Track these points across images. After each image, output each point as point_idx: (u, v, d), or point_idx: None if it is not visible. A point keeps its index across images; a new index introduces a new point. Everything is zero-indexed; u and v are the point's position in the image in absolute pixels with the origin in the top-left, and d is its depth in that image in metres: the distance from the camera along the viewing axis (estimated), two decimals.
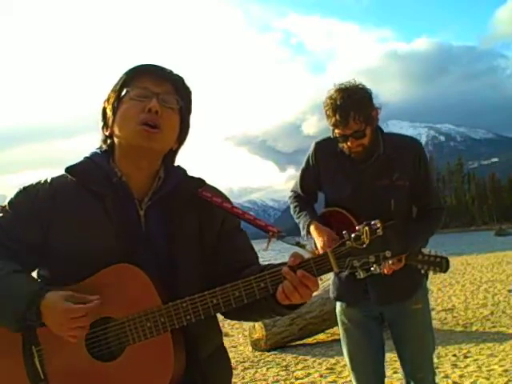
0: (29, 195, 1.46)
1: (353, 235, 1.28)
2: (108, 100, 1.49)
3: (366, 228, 1.27)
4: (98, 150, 1.53)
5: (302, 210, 2.73)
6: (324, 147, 2.66)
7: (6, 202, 1.48)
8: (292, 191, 2.87)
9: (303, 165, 2.76)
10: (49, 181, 1.48)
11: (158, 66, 1.49)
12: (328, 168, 2.63)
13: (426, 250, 2.43)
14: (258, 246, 1.62)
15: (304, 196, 2.81)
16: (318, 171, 2.67)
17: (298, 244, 1.38)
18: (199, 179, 1.55)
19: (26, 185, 1.49)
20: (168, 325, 1.31)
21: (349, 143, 2.47)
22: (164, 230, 1.45)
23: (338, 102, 2.40)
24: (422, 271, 2.45)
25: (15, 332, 1.34)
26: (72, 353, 1.35)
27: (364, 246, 1.27)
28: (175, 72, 1.52)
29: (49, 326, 1.31)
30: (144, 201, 1.47)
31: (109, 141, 1.50)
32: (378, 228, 1.26)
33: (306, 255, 1.32)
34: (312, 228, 2.56)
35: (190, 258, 1.44)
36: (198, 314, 1.31)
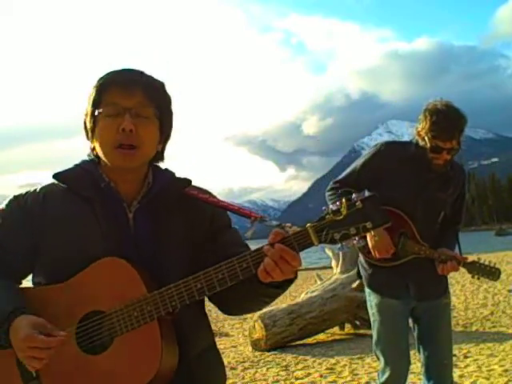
0: (19, 204, 1.47)
1: (332, 208, 1.27)
2: (86, 114, 1.48)
3: (345, 200, 1.26)
4: (88, 158, 1.54)
5: None
6: (394, 149, 2.86)
7: None
8: (337, 182, 2.93)
9: (364, 159, 2.88)
10: (38, 190, 1.50)
11: (125, 73, 1.46)
12: (393, 169, 2.78)
13: (480, 259, 2.84)
14: (253, 247, 1.62)
15: (351, 189, 2.86)
16: (379, 169, 2.81)
17: (279, 225, 1.37)
18: (185, 179, 1.55)
19: (17, 194, 1.51)
20: (154, 313, 1.32)
21: (440, 155, 2.68)
22: (152, 232, 1.46)
23: (451, 118, 2.65)
24: (476, 277, 2.82)
25: None
26: (63, 349, 1.35)
27: (342, 217, 1.25)
28: (145, 72, 1.48)
29: (14, 348, 1.33)
30: (133, 204, 1.48)
31: (95, 151, 1.51)
32: (357, 201, 1.25)
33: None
34: None
35: (178, 260, 1.45)
36: (183, 300, 1.32)
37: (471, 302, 9.06)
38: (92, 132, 1.46)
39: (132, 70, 1.48)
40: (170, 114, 1.52)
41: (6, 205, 1.49)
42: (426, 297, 2.81)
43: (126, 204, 1.47)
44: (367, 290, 2.90)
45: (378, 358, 2.87)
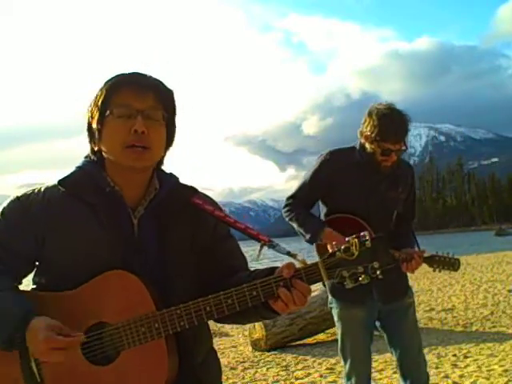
0: (22, 206, 1.45)
1: (342, 247, 1.32)
2: (91, 115, 1.45)
3: (356, 240, 1.30)
4: (90, 159, 1.52)
5: (307, 216, 2.87)
6: (339, 157, 2.85)
7: None
8: (291, 198, 2.94)
9: (312, 171, 2.87)
10: (42, 190, 1.47)
11: (138, 76, 1.46)
12: (343, 177, 2.79)
13: (440, 253, 2.88)
14: (247, 248, 1.64)
15: (305, 203, 2.91)
16: (328, 178, 2.81)
17: (289, 253, 1.40)
18: (191, 187, 1.56)
19: (20, 194, 1.48)
20: (162, 330, 1.33)
21: (389, 157, 2.71)
22: (157, 239, 1.46)
23: (397, 121, 2.69)
24: (437, 270, 2.88)
25: (2, 350, 1.36)
26: (68, 356, 1.35)
27: (353, 257, 1.30)
28: (154, 76, 1.48)
29: (31, 350, 1.33)
30: (137, 209, 1.47)
31: (98, 154, 1.49)
32: (367, 240, 1.30)
33: (297, 265, 1.35)
34: (326, 234, 2.71)
35: (182, 266, 1.46)
36: (192, 321, 1.33)
37: (471, 302, 9.06)
38: (99, 133, 1.44)
39: (142, 73, 1.47)
40: (175, 118, 1.52)
41: (8, 205, 1.47)
42: (391, 299, 2.82)
43: (131, 209, 1.47)
44: (330, 299, 2.88)
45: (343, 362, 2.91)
